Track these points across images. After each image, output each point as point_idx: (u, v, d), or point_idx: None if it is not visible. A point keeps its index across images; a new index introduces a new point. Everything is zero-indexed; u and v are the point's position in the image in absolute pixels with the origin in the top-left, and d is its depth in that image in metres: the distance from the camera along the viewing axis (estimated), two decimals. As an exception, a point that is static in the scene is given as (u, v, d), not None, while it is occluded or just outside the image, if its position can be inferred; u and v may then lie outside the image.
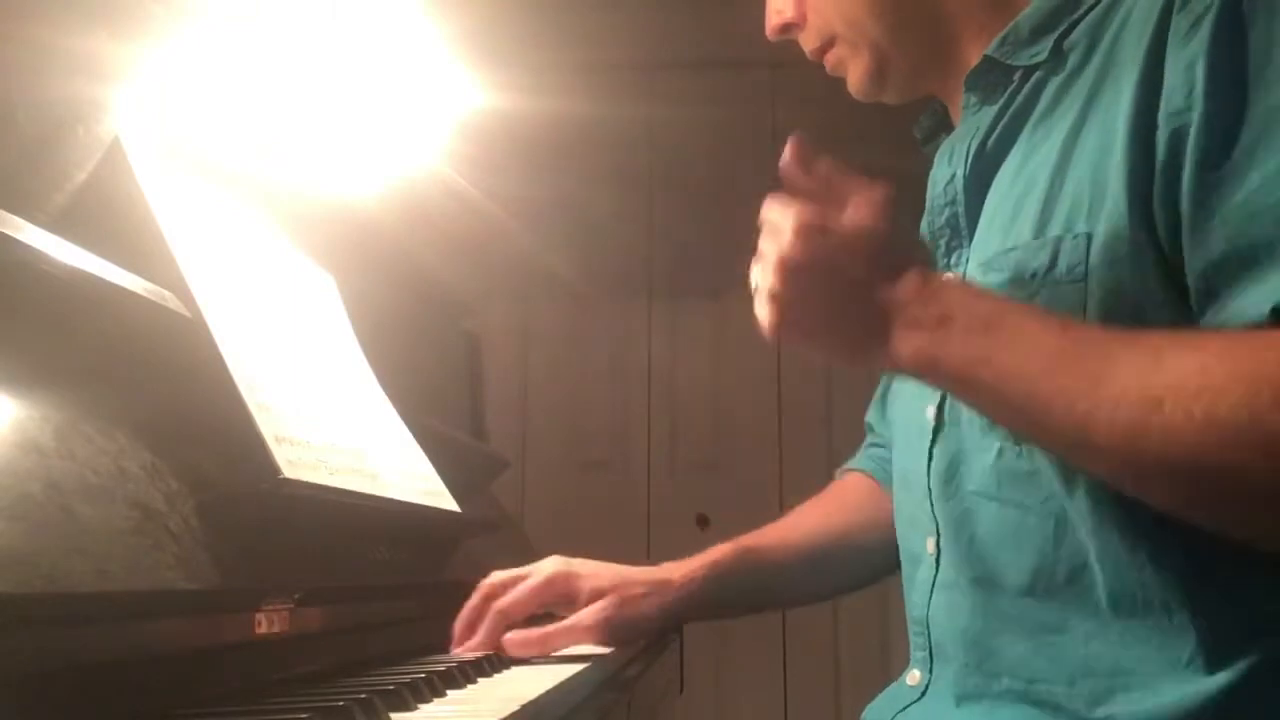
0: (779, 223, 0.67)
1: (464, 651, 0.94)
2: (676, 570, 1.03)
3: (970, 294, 0.68)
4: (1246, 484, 0.56)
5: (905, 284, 0.66)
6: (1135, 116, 0.66)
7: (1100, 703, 0.66)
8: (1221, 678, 0.63)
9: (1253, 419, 0.54)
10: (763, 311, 0.69)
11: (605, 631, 0.96)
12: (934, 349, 0.65)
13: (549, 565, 1.02)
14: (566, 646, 0.96)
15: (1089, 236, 0.67)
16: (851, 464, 1.14)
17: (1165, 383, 0.57)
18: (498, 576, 1.00)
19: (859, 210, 0.68)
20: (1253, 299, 0.60)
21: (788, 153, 0.70)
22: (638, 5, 2.73)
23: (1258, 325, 0.59)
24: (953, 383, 0.67)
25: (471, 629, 0.96)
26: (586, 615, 0.97)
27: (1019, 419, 0.65)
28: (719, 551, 1.04)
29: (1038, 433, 0.65)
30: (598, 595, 0.99)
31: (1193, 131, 0.63)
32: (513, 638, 0.93)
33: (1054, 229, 0.69)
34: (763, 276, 0.68)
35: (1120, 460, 0.60)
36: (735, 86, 2.98)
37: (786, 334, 0.68)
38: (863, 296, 0.66)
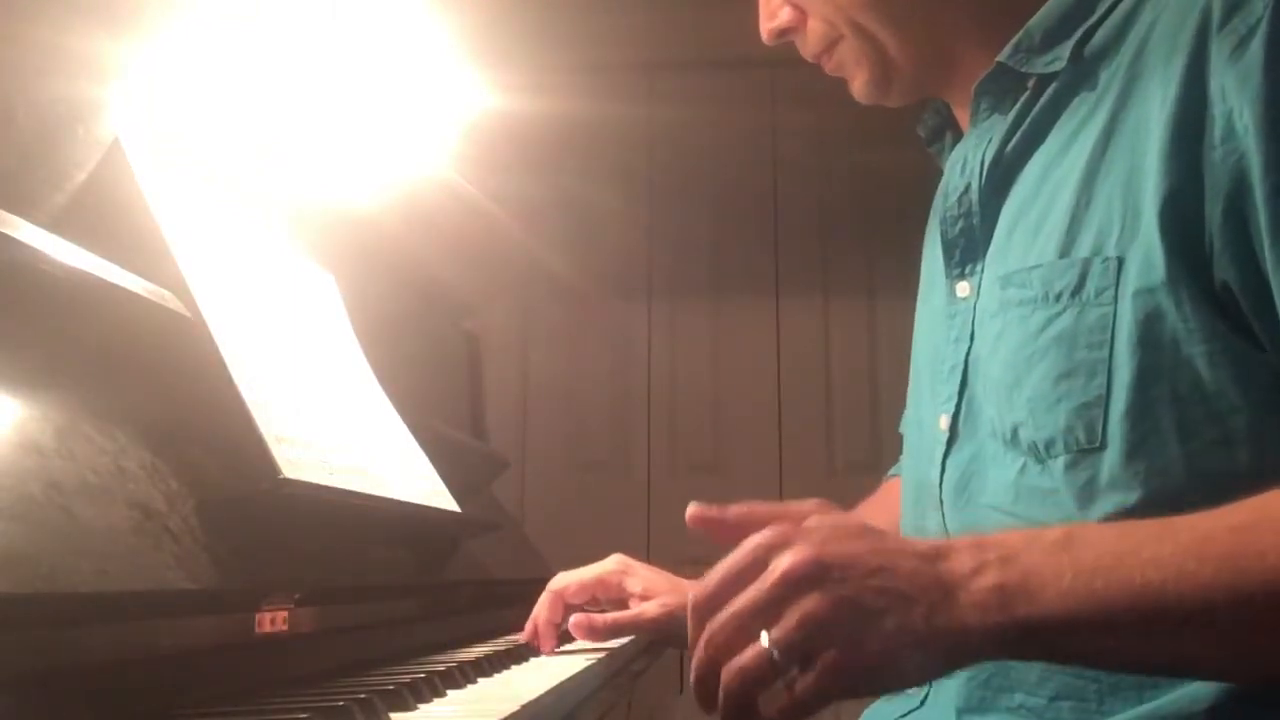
0: (765, 590, 0.55)
1: (527, 638, 1.02)
2: None
3: (1013, 534, 0.58)
4: None
5: (938, 551, 0.56)
6: (1173, 140, 0.63)
7: (1125, 715, 0.65)
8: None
9: None
10: (818, 681, 0.54)
11: (666, 626, 1.02)
12: (1016, 578, 0.55)
13: (610, 562, 1.07)
14: (630, 635, 1.03)
15: (1120, 261, 0.66)
16: (895, 470, 1.14)
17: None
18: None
19: (815, 524, 0.58)
20: None
21: (696, 520, 0.65)
22: (638, 5, 2.73)
23: None
24: (1052, 612, 0.54)
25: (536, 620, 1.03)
26: (650, 608, 1.02)
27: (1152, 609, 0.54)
28: None
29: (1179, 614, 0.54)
30: (649, 598, 1.04)
31: (1257, 160, 0.60)
32: (579, 620, 0.97)
33: (1081, 250, 0.68)
34: (789, 643, 0.54)
35: None
36: (735, 86, 2.98)
37: (850, 682, 0.54)
38: (906, 581, 0.55)
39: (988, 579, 0.55)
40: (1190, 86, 0.63)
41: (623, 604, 1.06)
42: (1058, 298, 0.69)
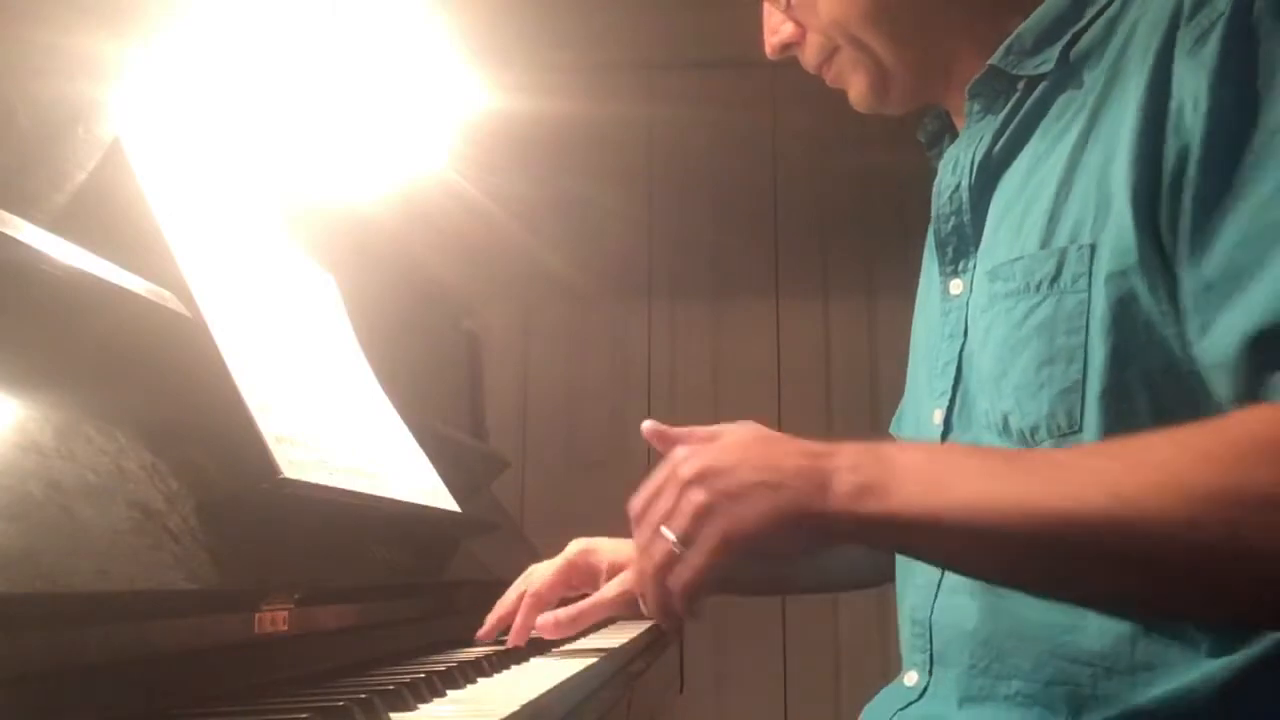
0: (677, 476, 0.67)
1: (510, 643, 0.99)
2: None
3: (908, 444, 0.67)
4: (1226, 552, 0.54)
5: (827, 450, 0.65)
6: (1141, 129, 0.65)
7: (1121, 699, 0.67)
8: (1225, 661, 0.63)
9: (1218, 487, 0.54)
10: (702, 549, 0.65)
11: (629, 602, 1.00)
12: (882, 478, 0.62)
13: (572, 547, 1.07)
14: (596, 620, 1.00)
15: (1093, 248, 0.67)
16: None
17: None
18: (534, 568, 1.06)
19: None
20: (1222, 331, 0.61)
21: (651, 435, 0.77)
22: (638, 5, 2.73)
23: (1231, 358, 0.60)
24: (893, 511, 0.62)
25: (503, 619, 1.01)
26: (610, 588, 1.00)
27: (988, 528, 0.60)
28: None
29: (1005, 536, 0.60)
30: (618, 570, 1.02)
31: (1196, 151, 0.62)
32: (545, 620, 0.96)
33: (1060, 239, 0.70)
34: (684, 523, 0.66)
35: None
36: (735, 86, 2.98)
37: (729, 549, 0.64)
38: (784, 473, 0.64)
39: (857, 475, 0.63)
40: (1158, 77, 0.65)
41: (597, 582, 1.05)
42: (1038, 287, 0.70)
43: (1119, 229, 0.66)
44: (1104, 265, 0.66)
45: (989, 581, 0.71)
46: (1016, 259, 0.72)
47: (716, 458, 0.66)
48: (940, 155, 0.90)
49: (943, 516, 0.60)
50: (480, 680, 0.79)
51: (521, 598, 1.02)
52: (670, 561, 0.66)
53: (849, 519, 0.62)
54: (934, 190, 0.84)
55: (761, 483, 0.64)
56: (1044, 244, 0.71)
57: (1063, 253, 0.69)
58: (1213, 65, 0.62)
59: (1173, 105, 0.64)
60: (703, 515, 0.65)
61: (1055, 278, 0.69)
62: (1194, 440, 0.56)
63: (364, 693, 0.62)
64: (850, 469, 0.63)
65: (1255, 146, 0.61)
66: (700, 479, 0.66)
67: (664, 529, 0.66)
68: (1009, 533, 0.59)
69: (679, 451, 0.68)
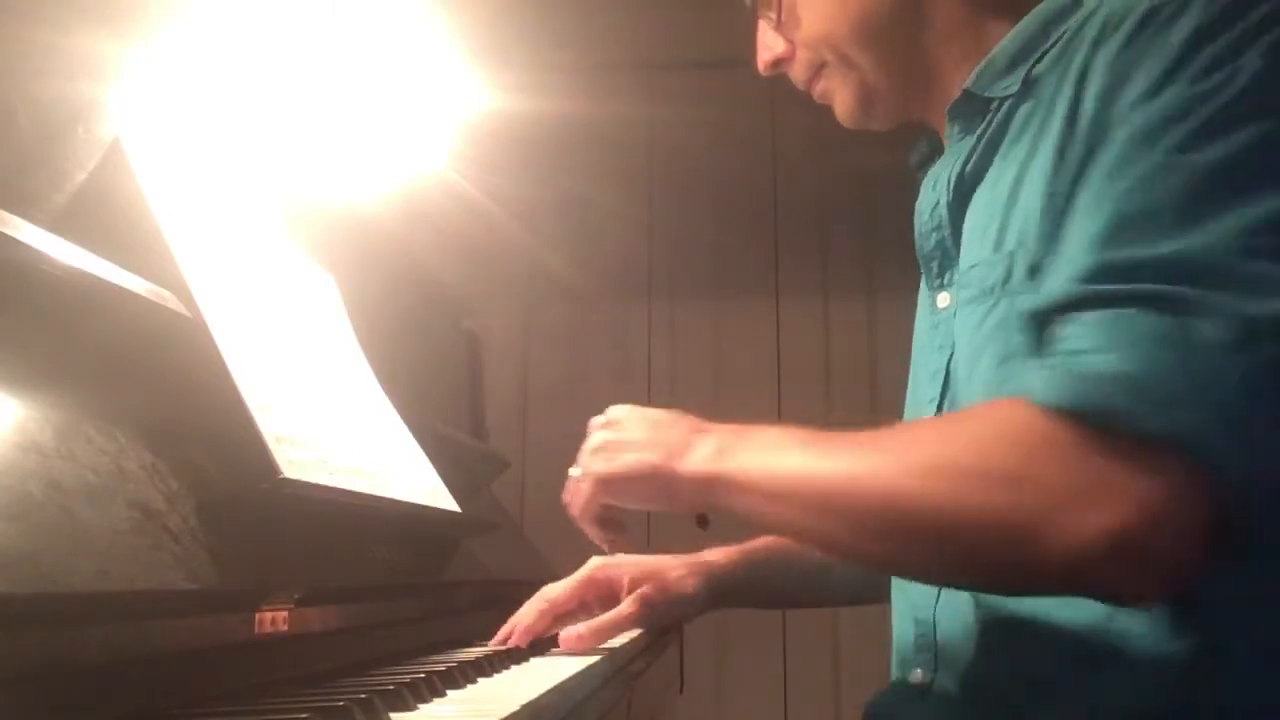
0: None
1: (513, 642, 1.00)
2: (715, 554, 1.10)
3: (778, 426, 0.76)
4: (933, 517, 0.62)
5: (706, 427, 0.79)
6: (1061, 131, 0.69)
7: (1115, 687, 0.67)
8: (1186, 640, 0.64)
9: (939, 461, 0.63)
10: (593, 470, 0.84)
11: (648, 616, 1.02)
12: (729, 446, 0.76)
13: (591, 563, 1.07)
14: (617, 635, 1.00)
15: (1037, 251, 0.70)
16: None
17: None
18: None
19: None
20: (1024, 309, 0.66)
21: None
22: (638, 5, 2.73)
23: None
24: (726, 474, 0.75)
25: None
26: (628, 603, 1.01)
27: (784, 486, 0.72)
28: (761, 540, 1.09)
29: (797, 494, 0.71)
30: (639, 584, 1.03)
31: (1072, 161, 0.67)
32: (569, 634, 0.97)
33: (1008, 243, 0.73)
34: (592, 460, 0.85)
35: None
36: (735, 86, 2.97)
37: (600, 488, 0.84)
38: (661, 439, 0.80)
39: (712, 445, 0.76)
40: (1080, 87, 0.69)
41: (617, 597, 1.05)
42: (991, 290, 0.74)
43: (1034, 228, 0.70)
44: (1046, 266, 0.69)
45: (798, 539, 0.84)
46: (972, 266, 0.76)
47: (626, 416, 0.83)
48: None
49: (751, 477, 0.72)
50: (480, 680, 0.79)
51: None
52: (569, 493, 0.87)
53: (690, 476, 0.76)
54: (916, 208, 0.86)
55: (643, 440, 0.80)
56: (995, 249, 0.74)
57: (1011, 255, 0.72)
58: (1108, 80, 0.66)
59: (1082, 113, 0.68)
60: (591, 456, 0.83)
61: (1006, 280, 0.72)
62: (940, 424, 0.69)
63: (364, 693, 0.62)
64: (711, 441, 0.76)
65: (1105, 157, 0.64)
66: (605, 427, 0.83)
67: (574, 466, 0.86)
68: (787, 494, 0.70)
69: (612, 408, 0.85)
